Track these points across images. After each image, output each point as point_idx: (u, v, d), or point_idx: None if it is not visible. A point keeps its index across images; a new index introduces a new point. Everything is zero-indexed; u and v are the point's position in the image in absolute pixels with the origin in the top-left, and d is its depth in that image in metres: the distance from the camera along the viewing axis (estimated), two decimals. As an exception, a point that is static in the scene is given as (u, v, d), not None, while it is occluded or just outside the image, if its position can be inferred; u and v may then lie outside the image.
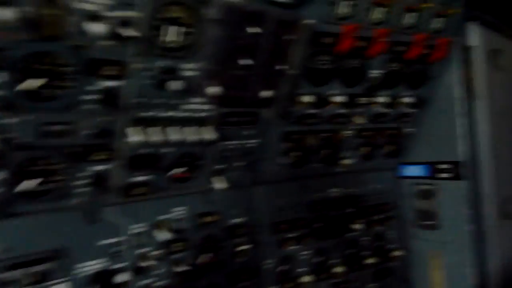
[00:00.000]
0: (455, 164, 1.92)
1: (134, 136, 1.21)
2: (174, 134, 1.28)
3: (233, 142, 1.49)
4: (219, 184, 1.49)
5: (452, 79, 1.93)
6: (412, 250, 2.12)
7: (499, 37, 2.16)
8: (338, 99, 1.64)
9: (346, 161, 1.85)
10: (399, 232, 2.10)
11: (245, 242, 1.62)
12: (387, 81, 1.77)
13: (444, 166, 1.95)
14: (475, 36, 1.96)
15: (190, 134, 1.32)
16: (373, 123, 1.85)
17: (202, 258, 1.50)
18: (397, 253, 2.05)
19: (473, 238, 1.91)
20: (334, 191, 1.89)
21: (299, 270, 1.77)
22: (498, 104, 2.08)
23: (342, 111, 1.71)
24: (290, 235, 1.76)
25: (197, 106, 1.32)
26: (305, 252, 1.79)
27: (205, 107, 1.34)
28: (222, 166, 1.51)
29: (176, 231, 1.44)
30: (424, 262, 2.07)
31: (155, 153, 1.31)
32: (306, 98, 1.56)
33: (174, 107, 1.28)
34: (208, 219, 1.52)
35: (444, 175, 1.95)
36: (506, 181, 2.06)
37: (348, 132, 1.80)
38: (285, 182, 1.74)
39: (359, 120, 1.77)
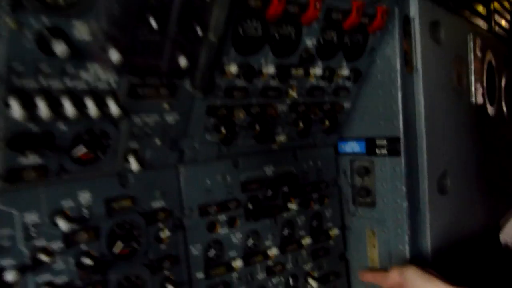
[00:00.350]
0: (393, 139, 1.86)
1: (16, 110, 1.00)
2: (71, 108, 1.09)
3: (149, 117, 1.32)
4: (134, 165, 1.32)
5: (391, 51, 1.85)
6: (349, 228, 2.08)
7: (439, 9, 2.11)
8: (269, 70, 1.50)
9: (281, 138, 1.73)
10: (337, 211, 2.05)
11: (169, 227, 1.48)
12: (323, 52, 1.65)
13: (382, 141, 1.89)
14: (414, 6, 1.88)
15: (92, 108, 1.13)
16: (309, 97, 1.74)
17: (116, 248, 1.35)
18: (334, 232, 1.99)
19: (408, 214, 1.88)
20: (268, 170, 1.78)
21: (231, 254, 1.66)
22: (435, 78, 2.04)
23: (274, 83, 1.58)
24: (220, 218, 1.63)
25: (98, 74, 1.13)
26: (237, 235, 1.68)
27: (109, 76, 1.15)
28: (136, 145, 1.34)
29: (81, 218, 1.27)
30: (361, 240, 2.03)
31: (48, 130, 1.11)
32: (233, 68, 1.41)
33: (68, 76, 1.08)
34: (121, 204, 1.35)
35: (382, 151, 1.90)
36: (441, 156, 2.05)
37: (282, 107, 1.68)
38: (213, 161, 1.60)
39: (294, 94, 1.65)
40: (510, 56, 3.54)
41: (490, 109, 3.00)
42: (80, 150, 1.20)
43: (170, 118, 1.37)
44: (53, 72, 1.05)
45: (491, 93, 3.03)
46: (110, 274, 1.33)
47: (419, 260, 1.92)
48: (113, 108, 1.17)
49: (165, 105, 1.33)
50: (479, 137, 2.70)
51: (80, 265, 1.25)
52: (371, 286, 2.02)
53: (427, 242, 1.94)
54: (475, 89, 2.66)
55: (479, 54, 2.74)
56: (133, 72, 1.18)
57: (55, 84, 1.07)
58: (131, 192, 1.39)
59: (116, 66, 1.11)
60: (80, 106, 1.11)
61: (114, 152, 1.29)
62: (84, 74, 1.10)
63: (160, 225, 1.46)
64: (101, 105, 1.16)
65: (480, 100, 2.76)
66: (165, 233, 1.46)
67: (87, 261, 1.24)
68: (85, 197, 1.28)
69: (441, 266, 1.99)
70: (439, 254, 2.00)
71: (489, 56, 3.01)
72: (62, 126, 1.14)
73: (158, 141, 1.39)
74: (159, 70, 1.22)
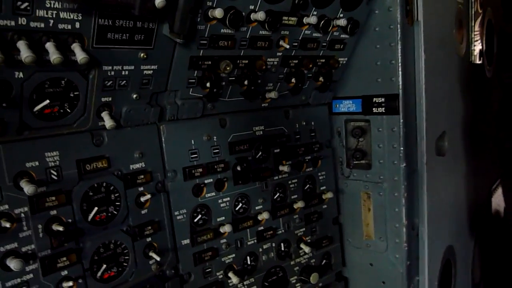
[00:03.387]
0: (391, 96, 1.73)
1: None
2: (26, 51, 0.93)
3: (122, 67, 1.16)
4: (108, 121, 1.18)
5: (391, 0, 1.69)
6: (343, 192, 1.98)
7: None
8: (259, 16, 1.34)
9: (271, 94, 1.60)
10: (331, 173, 1.94)
11: (150, 191, 1.36)
12: (317, -2, 1.49)
13: (379, 99, 1.77)
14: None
15: (53, 53, 0.97)
16: (302, 49, 1.59)
17: (93, 213, 1.22)
18: (328, 195, 1.90)
19: (406, 176, 1.79)
20: (258, 130, 1.65)
21: (218, 219, 1.56)
22: (437, 32, 1.90)
23: (264, 32, 1.43)
24: (207, 181, 1.52)
25: (57, 13, 0.96)
26: (225, 199, 1.57)
27: (71, 15, 0.98)
28: (110, 99, 1.20)
29: (49, 181, 1.13)
30: (355, 203, 1.94)
31: (3, 79, 0.96)
32: (218, 13, 1.24)
33: (20, 14, 0.92)
34: (95, 165, 1.22)
35: (379, 109, 1.77)
36: (440, 116, 1.94)
37: (273, 60, 1.53)
38: (198, 119, 1.47)
39: (285, 45, 1.50)
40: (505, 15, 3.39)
41: (487, 70, 2.88)
42: (43, 103, 1.05)
43: (148, 69, 1.22)
44: (4, 9, 0.88)
45: (489, 53, 2.90)
46: (85, 242, 1.21)
47: (415, 224, 1.84)
48: (79, 54, 1.01)
49: (141, 54, 1.18)
50: (476, 99, 2.60)
51: (50, 232, 1.13)
52: (364, 252, 1.96)
53: (424, 205, 1.86)
54: (474, 48, 2.53)
55: (479, 10, 2.60)
56: (103, 12, 1.01)
57: (6, 23, 0.90)
58: (107, 152, 1.25)
59: (80, 3, 0.95)
60: (38, 50, 0.96)
61: (83, 107, 1.15)
62: (40, 12, 0.94)
63: (141, 188, 1.34)
64: (64, 50, 1.00)
65: (478, 60, 2.64)
66: (146, 198, 1.34)
67: (58, 227, 1.12)
68: (53, 157, 1.14)
69: (436, 230, 1.92)
70: (435, 218, 1.92)
71: (489, 13, 2.86)
72: (18, 74, 0.98)
73: (134, 95, 1.24)
74: (133, 10, 1.05)
